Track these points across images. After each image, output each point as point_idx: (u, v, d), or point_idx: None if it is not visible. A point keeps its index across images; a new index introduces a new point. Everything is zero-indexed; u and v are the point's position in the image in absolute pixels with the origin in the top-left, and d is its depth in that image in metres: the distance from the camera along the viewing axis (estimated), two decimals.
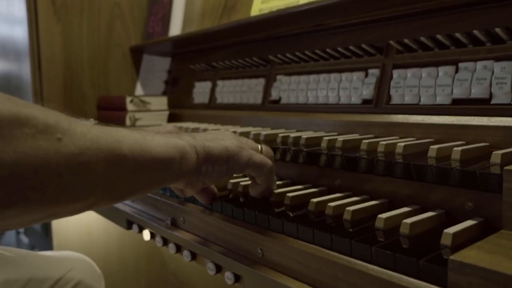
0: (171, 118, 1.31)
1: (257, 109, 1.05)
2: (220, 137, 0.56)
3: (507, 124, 0.58)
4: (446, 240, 0.43)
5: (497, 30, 0.62)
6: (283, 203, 0.61)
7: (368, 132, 0.76)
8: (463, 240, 0.44)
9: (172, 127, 0.83)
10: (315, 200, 0.58)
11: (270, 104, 1.02)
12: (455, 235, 0.43)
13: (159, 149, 0.47)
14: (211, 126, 1.07)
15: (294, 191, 0.64)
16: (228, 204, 0.62)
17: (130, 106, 1.24)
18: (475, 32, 0.65)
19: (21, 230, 1.75)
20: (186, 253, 0.68)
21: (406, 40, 0.74)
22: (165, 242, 0.74)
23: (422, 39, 0.72)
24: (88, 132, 0.39)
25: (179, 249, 0.71)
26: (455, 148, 0.54)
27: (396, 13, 0.77)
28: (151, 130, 0.54)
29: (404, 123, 0.70)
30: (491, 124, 0.60)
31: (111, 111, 1.31)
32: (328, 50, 0.88)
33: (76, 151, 0.37)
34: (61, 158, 0.36)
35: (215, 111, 1.17)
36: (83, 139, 0.38)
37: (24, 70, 1.33)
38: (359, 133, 0.77)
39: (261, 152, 0.60)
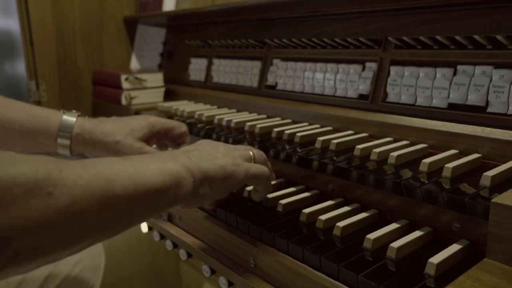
0: (168, 95, 1.30)
1: (254, 93, 1.03)
2: (214, 155, 0.55)
3: (501, 137, 0.58)
4: (430, 270, 0.44)
5: (498, 37, 0.60)
6: (276, 210, 0.63)
7: (363, 130, 0.75)
8: (447, 267, 0.46)
9: (154, 120, 0.78)
10: (306, 211, 0.59)
11: (266, 89, 1.00)
12: (439, 265, 0.44)
13: (153, 180, 0.46)
14: (206, 109, 1.07)
15: (287, 196, 0.65)
16: (222, 210, 0.64)
17: (125, 84, 1.22)
18: (476, 36, 0.62)
19: None
20: (182, 251, 0.70)
21: (405, 38, 0.72)
22: (162, 237, 0.76)
23: (422, 37, 0.70)
24: (79, 178, 0.38)
25: (175, 246, 0.73)
26: (446, 165, 0.54)
27: (397, 6, 0.74)
28: (145, 155, 0.51)
29: (400, 125, 0.70)
30: (485, 135, 0.59)
31: (107, 88, 1.30)
32: (325, 39, 0.86)
33: (68, 202, 0.37)
34: (52, 213, 0.35)
35: (212, 92, 1.15)
36: (74, 188, 0.38)
37: (16, 48, 1.30)
38: (354, 130, 0.77)
39: (254, 159, 0.60)
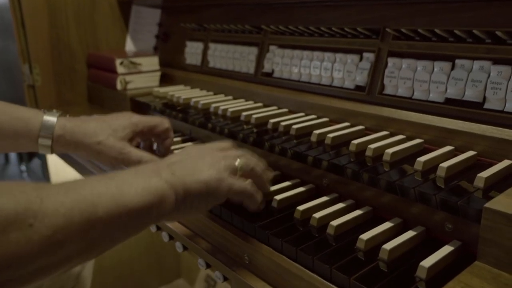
0: (163, 79, 1.28)
1: (250, 80, 1.02)
2: (199, 167, 0.54)
3: (496, 135, 0.57)
4: (421, 273, 0.45)
5: (498, 32, 0.59)
6: (271, 205, 0.63)
7: (359, 122, 0.75)
8: (439, 269, 0.46)
9: (136, 119, 0.77)
10: (301, 208, 0.59)
11: (262, 77, 0.99)
12: (430, 268, 0.45)
13: (136, 200, 0.46)
14: (203, 95, 1.05)
15: (282, 191, 0.65)
16: (217, 205, 0.64)
17: (120, 69, 1.20)
18: (475, 30, 0.61)
19: None
20: (178, 244, 0.71)
21: (403, 29, 0.70)
22: (159, 228, 0.77)
23: (420, 29, 0.68)
24: (61, 206, 0.38)
25: (172, 238, 0.73)
26: (441, 165, 0.54)
27: None
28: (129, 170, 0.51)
29: (396, 119, 0.69)
30: (481, 133, 0.59)
31: (102, 71, 1.28)
32: (322, 28, 0.84)
33: (50, 233, 0.36)
34: (34, 246, 0.35)
35: (208, 77, 1.14)
36: (56, 217, 0.37)
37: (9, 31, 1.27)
38: (351, 122, 0.76)
39: (240, 168, 0.58)
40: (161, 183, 0.49)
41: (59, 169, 1.50)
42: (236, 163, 0.57)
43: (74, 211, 0.39)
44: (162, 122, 0.78)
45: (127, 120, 0.76)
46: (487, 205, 0.44)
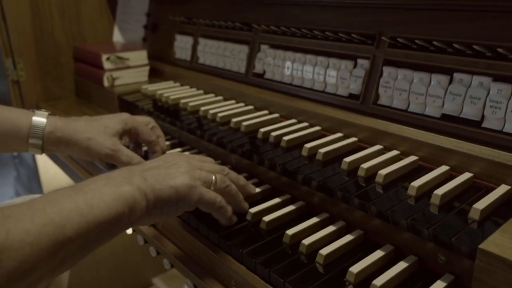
0: (152, 73, 1.24)
1: (241, 80, 0.98)
2: (172, 173, 0.54)
3: (494, 159, 0.55)
4: None
5: (498, 47, 0.56)
6: (260, 227, 0.61)
7: (353, 133, 0.72)
8: None
9: (127, 117, 0.78)
10: (290, 232, 0.57)
11: (254, 77, 0.95)
12: None
13: (106, 212, 0.46)
14: (192, 95, 1.02)
15: (271, 210, 0.63)
16: (204, 226, 0.62)
17: (107, 65, 1.16)
18: (475, 46, 0.58)
19: None
20: (165, 261, 0.69)
21: (399, 38, 0.67)
22: (146, 242, 0.75)
23: (417, 40, 0.65)
24: (27, 235, 0.38)
25: (158, 253, 0.72)
26: (435, 192, 0.52)
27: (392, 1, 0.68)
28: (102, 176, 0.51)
29: (391, 133, 0.66)
30: (478, 155, 0.56)
31: (88, 66, 1.23)
32: (315, 31, 0.80)
33: (17, 264, 0.36)
34: (3, 279, 0.35)
35: (198, 74, 1.10)
36: (22, 248, 0.37)
37: None
38: (344, 132, 0.73)
39: (215, 183, 0.58)
40: (132, 190, 0.49)
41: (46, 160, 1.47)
42: (213, 177, 0.58)
43: (41, 237, 0.39)
44: (149, 134, 0.78)
45: (118, 117, 0.77)
46: (482, 246, 0.42)
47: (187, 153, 0.85)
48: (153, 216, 0.53)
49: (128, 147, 0.80)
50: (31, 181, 1.74)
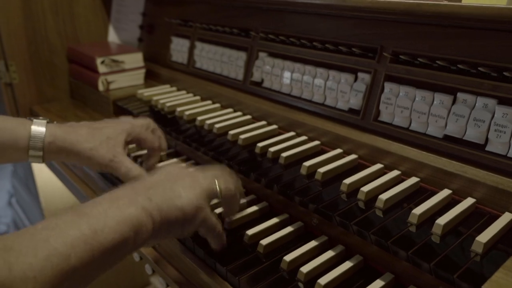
0: (148, 76, 1.22)
1: (238, 88, 0.96)
2: (178, 191, 0.52)
3: (498, 186, 0.53)
4: None
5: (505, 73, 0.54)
6: (257, 250, 0.59)
7: (353, 150, 0.70)
8: None
9: (129, 127, 0.75)
10: (287, 258, 0.56)
11: (251, 86, 0.93)
12: None
13: (111, 237, 0.44)
14: (189, 102, 1.00)
15: (268, 232, 0.62)
16: (200, 250, 0.60)
17: (101, 68, 1.13)
18: (481, 66, 0.56)
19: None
20: (161, 280, 0.68)
21: (401, 55, 0.65)
22: (141, 258, 0.74)
23: (420, 59, 0.63)
24: (30, 270, 0.37)
25: (154, 272, 0.70)
26: (437, 222, 0.51)
27: (392, 17, 0.66)
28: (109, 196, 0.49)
29: (392, 152, 0.65)
30: (481, 180, 0.55)
31: (83, 68, 1.21)
32: (315, 43, 0.77)
33: None
34: None
35: (194, 79, 1.08)
36: (26, 283, 0.36)
37: None
38: (343, 149, 0.72)
39: (220, 194, 0.57)
40: (137, 212, 0.48)
41: None
42: (217, 188, 0.56)
43: (45, 270, 0.38)
44: (152, 141, 0.76)
45: (120, 127, 0.74)
46: (485, 287, 0.41)
47: (183, 164, 0.84)
48: (159, 237, 0.52)
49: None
50: (28, 176, 1.72)
